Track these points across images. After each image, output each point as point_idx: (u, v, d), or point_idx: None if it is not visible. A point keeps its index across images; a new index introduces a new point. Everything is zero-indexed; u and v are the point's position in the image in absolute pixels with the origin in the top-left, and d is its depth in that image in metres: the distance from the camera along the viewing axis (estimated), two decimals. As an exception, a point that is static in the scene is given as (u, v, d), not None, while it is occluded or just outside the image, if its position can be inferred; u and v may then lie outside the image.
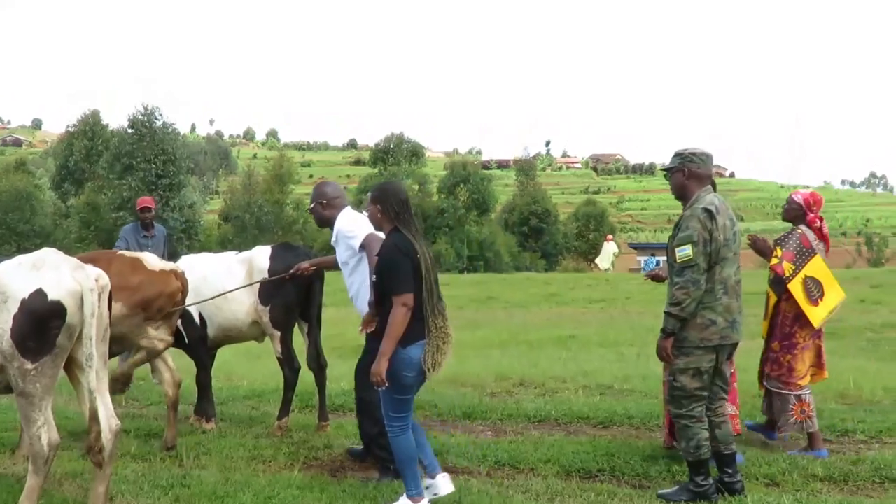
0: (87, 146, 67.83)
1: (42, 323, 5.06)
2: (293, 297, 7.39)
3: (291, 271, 7.08)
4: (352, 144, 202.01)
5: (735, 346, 5.74)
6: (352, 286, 6.44)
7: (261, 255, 7.57)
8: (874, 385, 8.88)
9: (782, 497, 5.55)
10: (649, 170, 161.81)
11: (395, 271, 5.21)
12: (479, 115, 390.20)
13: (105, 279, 5.42)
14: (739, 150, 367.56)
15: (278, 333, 7.50)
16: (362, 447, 6.58)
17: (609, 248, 37.17)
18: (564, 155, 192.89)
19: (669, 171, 5.83)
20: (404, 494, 5.39)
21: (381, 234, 5.71)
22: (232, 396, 9.17)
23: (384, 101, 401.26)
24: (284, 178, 69.64)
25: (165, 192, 60.59)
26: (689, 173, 5.72)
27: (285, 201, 65.52)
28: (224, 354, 9.11)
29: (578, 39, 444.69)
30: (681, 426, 5.66)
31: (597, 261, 39.30)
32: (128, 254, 7.19)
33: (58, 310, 5.09)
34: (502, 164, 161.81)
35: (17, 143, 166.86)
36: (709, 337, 5.53)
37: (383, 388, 5.17)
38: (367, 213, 5.72)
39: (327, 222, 6.57)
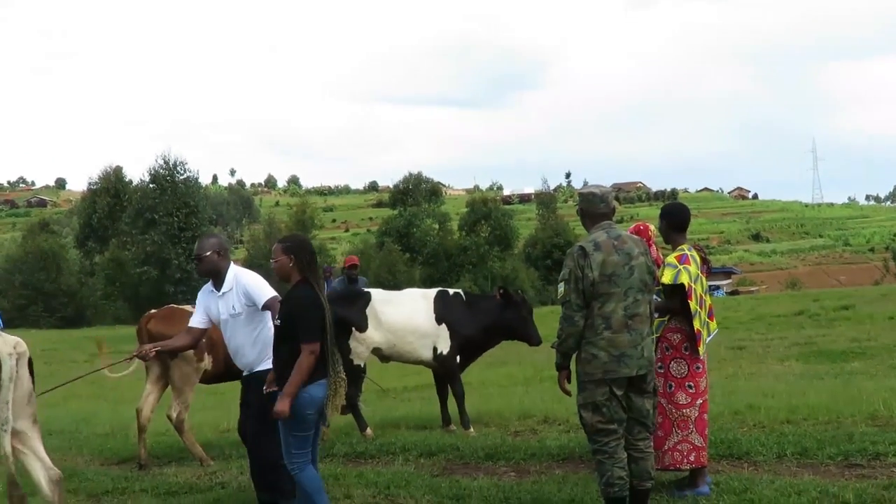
0: (110, 203, 68.44)
1: None
2: None
3: (133, 353, 6.97)
4: (373, 187, 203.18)
5: (643, 378, 5.60)
6: (233, 339, 6.50)
7: None
8: (906, 405, 8.64)
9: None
10: (672, 196, 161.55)
11: (307, 321, 5.58)
12: (499, 149, 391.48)
13: (23, 346, 5.60)
14: (761, 170, 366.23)
15: None
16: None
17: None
18: (585, 186, 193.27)
19: (577, 210, 6.05)
20: None
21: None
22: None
23: (404, 141, 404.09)
24: (307, 224, 70.01)
25: (189, 245, 60.99)
26: (582, 212, 5.91)
27: (308, 247, 65.70)
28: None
29: (595, 70, 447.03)
30: (596, 462, 5.62)
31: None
32: None
33: None
34: (524, 199, 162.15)
35: (42, 204, 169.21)
36: (591, 371, 5.52)
37: (287, 425, 5.55)
38: (274, 263, 5.91)
39: (218, 272, 6.54)
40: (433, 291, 9.46)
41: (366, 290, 9.65)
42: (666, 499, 6.11)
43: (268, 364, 6.14)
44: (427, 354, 9.17)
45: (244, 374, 6.55)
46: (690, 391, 6.20)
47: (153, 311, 9.01)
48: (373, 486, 7.03)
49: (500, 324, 9.29)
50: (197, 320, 6.66)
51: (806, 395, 9.63)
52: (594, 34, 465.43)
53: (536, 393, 12.43)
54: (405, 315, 9.17)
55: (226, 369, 8.18)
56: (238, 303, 6.42)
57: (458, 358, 9.22)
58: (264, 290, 6.40)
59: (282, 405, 5.47)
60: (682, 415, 6.17)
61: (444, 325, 9.15)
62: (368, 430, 9.09)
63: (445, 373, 9.31)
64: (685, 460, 6.16)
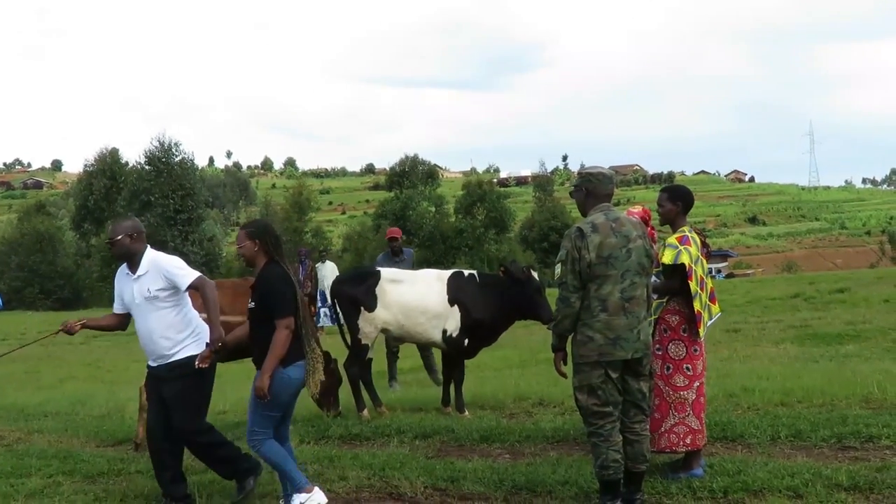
0: (106, 185, 68.25)
1: None
2: None
3: (60, 328, 6.76)
4: (369, 169, 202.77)
5: (639, 361, 5.60)
6: (144, 324, 6.33)
7: None
8: (900, 388, 8.65)
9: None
10: (668, 179, 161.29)
11: (279, 297, 5.72)
12: (496, 132, 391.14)
13: None
14: (758, 153, 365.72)
15: None
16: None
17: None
18: (583, 168, 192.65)
19: (574, 190, 5.98)
20: (295, 493, 5.85)
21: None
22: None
23: (401, 123, 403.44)
24: (303, 207, 69.85)
25: (184, 227, 60.86)
26: (587, 192, 5.87)
27: (304, 229, 65.67)
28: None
29: (591, 52, 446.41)
30: (591, 444, 5.66)
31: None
32: None
33: None
34: (521, 181, 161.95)
35: (38, 186, 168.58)
36: (586, 353, 5.55)
37: (258, 402, 5.69)
38: (240, 249, 6.00)
39: (131, 255, 6.39)
40: (448, 273, 9.42)
41: (377, 269, 9.59)
42: (660, 481, 6.13)
43: (184, 353, 6.16)
44: (437, 335, 9.16)
45: (153, 365, 6.41)
46: (688, 373, 6.21)
47: None
48: (368, 468, 7.04)
49: (509, 303, 9.20)
50: (118, 305, 6.57)
51: (800, 377, 9.65)
52: (591, 15, 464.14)
53: (532, 375, 12.40)
54: (417, 295, 9.14)
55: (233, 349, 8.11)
56: (154, 285, 6.26)
57: (466, 341, 9.19)
58: (186, 271, 6.29)
59: (261, 382, 5.57)
60: (679, 397, 6.19)
61: (456, 307, 9.12)
62: (365, 412, 9.10)
63: (452, 354, 9.31)
64: (681, 443, 6.18)
